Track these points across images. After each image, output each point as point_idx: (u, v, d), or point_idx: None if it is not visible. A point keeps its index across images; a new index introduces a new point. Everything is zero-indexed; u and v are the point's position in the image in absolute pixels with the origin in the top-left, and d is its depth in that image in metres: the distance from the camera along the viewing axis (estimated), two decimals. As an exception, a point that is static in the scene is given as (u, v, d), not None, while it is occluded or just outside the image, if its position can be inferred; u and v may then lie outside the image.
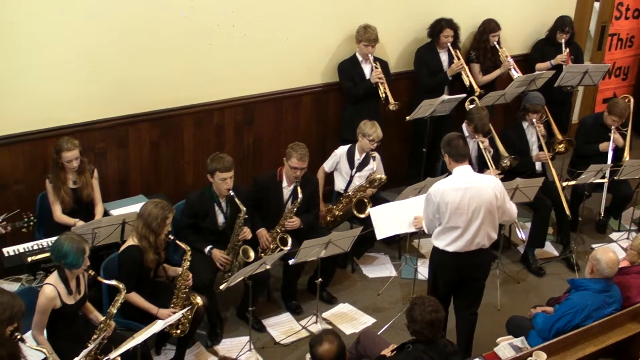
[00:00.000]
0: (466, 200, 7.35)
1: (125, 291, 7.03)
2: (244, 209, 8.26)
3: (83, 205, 8.60)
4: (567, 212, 9.72)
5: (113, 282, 7.02)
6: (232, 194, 8.24)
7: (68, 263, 6.74)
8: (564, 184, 9.91)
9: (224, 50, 9.55)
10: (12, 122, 8.59)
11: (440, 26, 10.58)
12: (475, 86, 10.54)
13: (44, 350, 6.37)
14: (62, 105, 8.78)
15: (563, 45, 11.42)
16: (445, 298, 7.78)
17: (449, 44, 10.65)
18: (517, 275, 9.78)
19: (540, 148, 9.96)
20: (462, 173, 7.49)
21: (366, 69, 10.24)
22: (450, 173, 8.14)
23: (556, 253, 10.25)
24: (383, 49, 10.51)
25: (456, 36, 10.74)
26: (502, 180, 8.28)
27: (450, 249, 7.52)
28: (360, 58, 10.25)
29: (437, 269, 7.77)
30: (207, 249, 8.39)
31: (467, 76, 10.58)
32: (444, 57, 10.78)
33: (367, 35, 10.02)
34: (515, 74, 10.85)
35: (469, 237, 7.45)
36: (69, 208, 8.53)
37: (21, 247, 8.19)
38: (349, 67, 10.26)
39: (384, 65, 10.27)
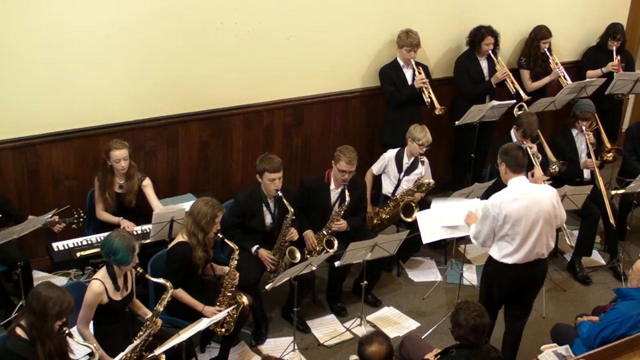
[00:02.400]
0: (525, 211, 7.27)
1: (172, 289, 7.08)
2: (292, 210, 8.28)
3: (125, 210, 8.65)
4: (612, 221, 9.64)
5: (161, 281, 7.06)
6: (280, 194, 8.27)
7: (117, 260, 6.81)
8: (613, 192, 9.85)
9: (274, 53, 9.61)
10: (65, 119, 8.71)
11: (481, 34, 10.54)
12: (522, 93, 10.49)
13: (91, 345, 6.43)
14: (115, 103, 8.89)
15: (614, 53, 11.35)
16: (497, 307, 7.77)
17: (489, 51, 10.62)
18: (563, 283, 9.72)
19: (589, 156, 9.90)
20: (519, 184, 7.39)
21: (407, 73, 10.24)
22: (497, 179, 8.14)
23: (603, 262, 10.17)
24: (423, 54, 10.48)
25: (496, 43, 10.68)
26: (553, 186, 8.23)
27: (509, 260, 7.42)
28: (401, 63, 10.24)
29: (494, 280, 7.66)
30: (254, 248, 8.43)
31: (512, 83, 10.53)
32: (484, 64, 10.74)
33: (409, 40, 10.01)
34: (566, 81, 10.78)
35: (529, 247, 7.37)
36: (111, 211, 8.61)
37: (70, 243, 8.29)
38: (390, 72, 10.25)
39: (425, 69, 10.25)
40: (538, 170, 9.01)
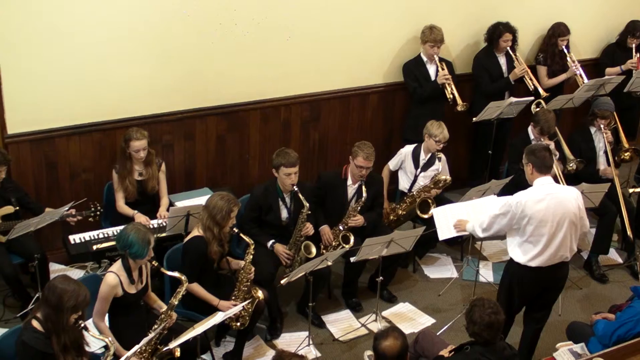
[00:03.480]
0: (550, 212, 7.19)
1: (187, 283, 7.10)
2: (307, 205, 8.29)
3: (147, 197, 8.72)
4: (627, 222, 9.59)
5: (175, 274, 7.08)
6: (296, 189, 8.28)
7: (133, 253, 6.83)
8: (631, 190, 9.82)
9: (292, 48, 9.62)
10: (83, 113, 8.74)
11: (499, 31, 10.50)
12: (540, 89, 10.46)
13: (106, 339, 6.44)
14: (132, 97, 8.91)
15: (634, 50, 11.32)
16: (517, 311, 7.74)
17: (508, 48, 10.59)
18: (580, 281, 9.69)
19: (607, 154, 9.86)
20: (545, 185, 7.31)
21: (431, 69, 10.23)
22: (513, 176, 8.11)
23: (620, 260, 10.14)
24: (443, 49, 10.46)
25: (514, 39, 10.64)
26: (567, 184, 8.20)
27: (533, 264, 7.33)
28: (425, 58, 10.24)
29: (516, 284, 7.56)
30: (270, 243, 8.44)
31: (530, 79, 10.50)
32: (502, 60, 10.72)
33: (433, 36, 10.00)
34: (583, 79, 10.74)
35: (553, 250, 7.30)
36: (133, 199, 8.66)
37: (87, 235, 8.33)
38: (414, 68, 10.26)
39: (448, 65, 10.25)
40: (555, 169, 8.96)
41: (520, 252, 7.41)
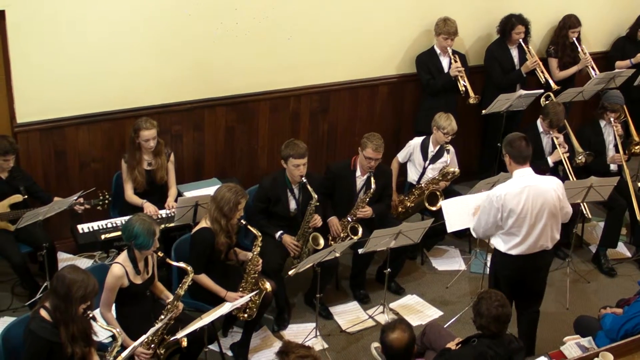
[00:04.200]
0: (529, 204, 7.26)
1: (192, 273, 7.11)
2: (316, 196, 8.28)
3: (156, 187, 8.73)
4: (638, 215, 9.58)
5: (181, 265, 7.10)
6: (304, 180, 8.28)
7: (138, 244, 6.84)
8: (640, 184, 9.81)
9: (302, 38, 9.62)
10: (92, 102, 8.76)
11: (511, 23, 10.46)
12: (551, 82, 10.43)
13: (114, 330, 6.44)
14: (142, 86, 8.93)
15: (644, 43, 11.29)
16: (507, 297, 7.75)
17: (520, 40, 10.56)
18: (588, 275, 9.68)
19: (617, 148, 9.83)
20: (524, 176, 7.35)
21: (444, 61, 10.22)
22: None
23: (629, 254, 10.11)
24: (462, 41, 10.44)
25: (527, 32, 10.61)
26: (576, 178, 8.19)
27: (514, 252, 7.45)
28: (438, 51, 10.21)
29: (499, 271, 7.69)
30: (278, 234, 8.44)
31: (542, 72, 10.47)
32: (514, 52, 10.68)
33: (446, 28, 9.98)
34: (593, 72, 10.71)
35: (533, 240, 7.38)
36: (142, 189, 8.67)
37: (95, 225, 8.36)
38: (427, 60, 10.24)
39: (462, 58, 10.24)
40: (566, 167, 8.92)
41: (502, 241, 7.53)
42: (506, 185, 7.37)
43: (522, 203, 7.24)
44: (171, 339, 6.87)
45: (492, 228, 7.49)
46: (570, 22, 10.82)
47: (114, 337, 6.48)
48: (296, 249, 8.45)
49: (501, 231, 7.46)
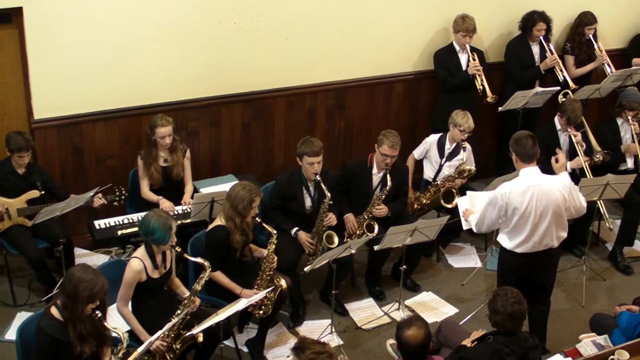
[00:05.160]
0: (533, 203, 7.25)
1: (210, 269, 7.12)
2: (329, 195, 8.27)
3: (172, 183, 8.75)
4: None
5: (199, 260, 7.10)
6: (318, 179, 8.29)
7: (155, 239, 6.86)
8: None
9: (319, 35, 9.62)
10: (109, 98, 8.79)
11: (533, 19, 10.44)
12: (569, 81, 10.40)
13: (120, 332, 6.36)
14: (159, 83, 8.96)
15: (661, 41, 11.24)
16: None
17: (541, 37, 10.53)
18: (604, 272, 9.64)
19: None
20: (529, 175, 7.35)
21: (462, 58, 10.20)
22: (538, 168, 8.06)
23: (645, 252, 10.09)
24: (480, 38, 10.43)
25: (548, 29, 10.58)
26: (593, 175, 8.15)
27: (519, 250, 7.46)
28: (457, 47, 10.20)
29: (505, 268, 7.70)
30: (293, 231, 8.45)
31: (561, 70, 10.44)
32: (535, 49, 10.65)
33: (465, 25, 9.96)
34: (609, 69, 10.68)
35: (537, 238, 7.38)
36: (158, 185, 8.70)
37: (112, 221, 8.39)
38: (445, 57, 10.23)
39: (480, 55, 10.22)
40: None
41: (507, 239, 7.54)
42: (512, 183, 7.38)
43: (526, 202, 7.25)
44: (187, 334, 6.89)
45: (495, 222, 7.51)
46: (586, 19, 10.78)
47: (128, 334, 6.50)
48: (311, 246, 8.46)
49: (506, 229, 7.47)
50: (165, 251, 7.12)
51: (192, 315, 7.04)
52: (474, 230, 7.82)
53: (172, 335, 6.95)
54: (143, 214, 8.02)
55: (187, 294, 7.11)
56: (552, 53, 10.49)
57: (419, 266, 9.30)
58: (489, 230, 7.76)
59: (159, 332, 6.58)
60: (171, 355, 7.00)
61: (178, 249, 7.05)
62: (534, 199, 7.25)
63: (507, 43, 10.78)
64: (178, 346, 7.00)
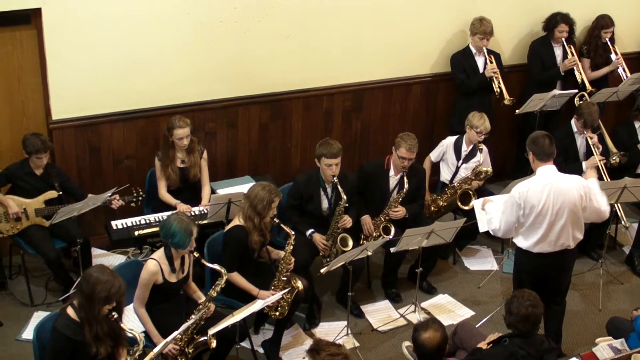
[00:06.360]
0: (550, 201, 7.23)
1: (226, 276, 7.12)
2: (345, 197, 8.26)
3: (189, 184, 8.76)
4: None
5: (216, 267, 7.07)
6: (335, 181, 8.28)
7: (175, 242, 6.88)
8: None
9: (336, 37, 9.64)
10: (127, 99, 8.82)
11: (555, 21, 10.44)
12: (587, 83, 10.38)
13: (136, 333, 6.36)
14: (176, 84, 8.98)
15: (680, 44, 11.21)
16: None
17: (563, 39, 10.50)
18: (621, 276, 9.61)
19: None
20: (546, 173, 7.33)
21: (479, 61, 10.19)
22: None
23: (663, 256, 10.03)
24: (497, 41, 10.42)
25: (571, 31, 10.56)
26: (611, 178, 8.13)
27: (535, 250, 7.43)
28: (473, 50, 10.19)
29: (521, 268, 7.68)
30: (309, 232, 8.46)
31: (580, 73, 10.42)
32: (558, 51, 10.63)
33: (482, 28, 9.95)
34: (624, 74, 10.64)
35: (553, 238, 7.36)
36: (175, 186, 8.71)
37: (129, 221, 8.41)
38: (462, 59, 10.22)
39: (497, 58, 10.20)
40: (596, 157, 8.79)
41: (522, 238, 7.51)
42: (529, 181, 7.36)
43: (543, 200, 7.23)
44: (200, 339, 6.91)
45: (512, 226, 7.47)
46: (603, 22, 10.74)
47: (143, 334, 6.50)
48: (326, 248, 8.46)
49: (522, 228, 7.44)
50: (183, 256, 7.14)
51: (207, 319, 7.05)
52: (490, 232, 7.80)
53: (185, 339, 6.97)
54: (160, 214, 8.08)
55: (203, 299, 7.12)
56: (572, 55, 10.46)
57: (435, 268, 9.28)
58: (506, 234, 7.71)
59: (172, 335, 6.55)
60: (184, 359, 7.02)
61: (196, 254, 7.06)
62: (551, 196, 7.24)
63: (529, 44, 10.76)
64: (190, 350, 7.02)
